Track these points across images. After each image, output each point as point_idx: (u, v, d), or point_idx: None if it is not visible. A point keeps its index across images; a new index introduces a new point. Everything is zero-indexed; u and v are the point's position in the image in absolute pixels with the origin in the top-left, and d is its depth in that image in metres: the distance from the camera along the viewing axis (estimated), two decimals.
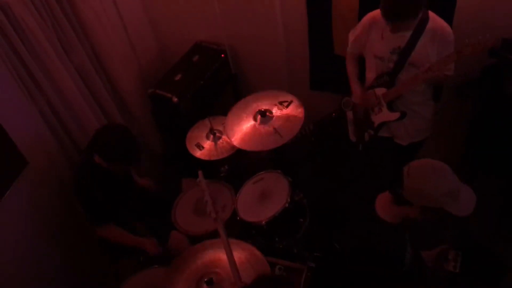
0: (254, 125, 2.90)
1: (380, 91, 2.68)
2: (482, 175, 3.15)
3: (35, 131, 2.68)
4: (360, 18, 2.85)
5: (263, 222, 2.64)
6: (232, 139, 2.86)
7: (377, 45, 2.60)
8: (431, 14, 2.47)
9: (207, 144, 2.99)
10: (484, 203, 3.08)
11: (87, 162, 2.56)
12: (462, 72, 3.08)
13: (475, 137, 3.19)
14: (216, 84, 3.58)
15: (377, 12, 2.51)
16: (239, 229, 2.75)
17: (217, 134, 3.00)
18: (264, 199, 2.77)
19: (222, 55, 3.57)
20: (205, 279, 2.05)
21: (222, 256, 2.08)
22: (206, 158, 2.92)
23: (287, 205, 2.66)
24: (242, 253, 2.17)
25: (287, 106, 2.95)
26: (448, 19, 2.90)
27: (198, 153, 2.95)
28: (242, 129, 2.90)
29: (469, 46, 2.28)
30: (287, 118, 2.89)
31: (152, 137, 3.69)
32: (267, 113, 2.90)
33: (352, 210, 2.23)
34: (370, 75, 2.77)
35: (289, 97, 3.00)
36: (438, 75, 2.51)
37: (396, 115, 2.67)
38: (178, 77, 3.42)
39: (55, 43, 2.72)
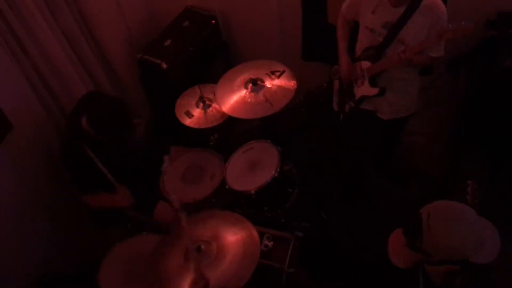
0: (245, 94, 2.86)
1: (365, 64, 2.65)
2: (471, 151, 3.18)
3: (20, 95, 2.62)
4: None
5: (252, 191, 2.63)
6: (222, 107, 2.82)
7: (369, 16, 2.55)
8: None
9: (197, 112, 2.95)
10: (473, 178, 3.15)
11: (74, 128, 2.50)
12: (454, 45, 3.07)
13: (466, 112, 3.20)
14: (207, 51, 3.51)
15: None
16: (227, 198, 2.75)
17: (207, 102, 2.96)
18: (253, 168, 2.76)
19: (213, 21, 3.50)
20: (194, 247, 2.05)
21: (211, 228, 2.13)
22: (196, 126, 2.89)
23: (276, 174, 2.65)
24: (239, 232, 2.15)
25: (278, 76, 2.91)
26: None
27: (187, 121, 2.92)
28: (233, 97, 2.86)
29: (449, 31, 2.24)
30: (279, 88, 2.86)
31: (140, 103, 3.63)
32: (259, 82, 2.86)
33: (362, 249, 1.95)
34: (359, 45, 2.73)
35: (281, 67, 2.96)
36: (420, 58, 2.46)
37: (375, 90, 2.64)
38: (167, 42, 3.35)
39: (42, 6, 2.63)
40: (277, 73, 2.94)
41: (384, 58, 2.55)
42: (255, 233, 2.15)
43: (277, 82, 2.89)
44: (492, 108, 2.91)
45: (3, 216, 2.60)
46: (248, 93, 2.86)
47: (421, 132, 3.51)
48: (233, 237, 2.12)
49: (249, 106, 2.81)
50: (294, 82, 2.87)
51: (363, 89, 2.70)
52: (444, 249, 1.60)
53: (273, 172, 2.66)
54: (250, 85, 2.87)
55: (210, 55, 3.57)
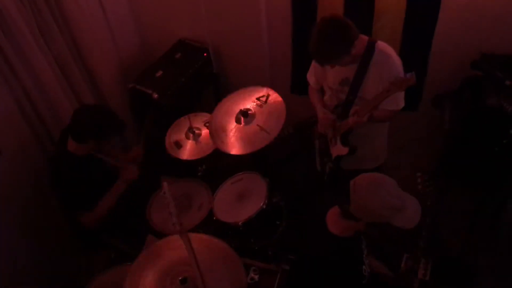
0: (239, 127, 2.85)
1: (336, 124, 2.63)
2: (455, 186, 3.23)
3: (9, 120, 2.62)
4: None
5: (240, 223, 2.62)
6: (227, 148, 2.79)
7: (329, 74, 2.59)
8: (378, 45, 2.38)
9: (186, 143, 2.96)
10: (457, 213, 3.19)
11: (61, 152, 2.53)
12: (439, 83, 3.17)
13: (450, 148, 3.25)
14: (197, 82, 3.56)
15: None
16: (214, 229, 2.73)
17: (197, 132, 2.97)
18: (241, 200, 2.76)
19: (205, 54, 3.55)
20: (179, 278, 2.02)
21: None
22: (186, 158, 2.90)
23: (264, 206, 2.65)
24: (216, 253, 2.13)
25: (265, 101, 2.92)
26: (429, 36, 2.98)
27: (176, 153, 2.92)
28: (230, 135, 2.84)
29: (393, 86, 2.18)
30: (269, 112, 2.85)
31: (130, 133, 3.63)
32: (249, 112, 2.86)
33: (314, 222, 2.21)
34: (328, 105, 2.75)
35: (264, 91, 2.95)
36: (380, 113, 2.44)
37: (345, 149, 2.60)
38: (159, 73, 3.39)
39: (35, 31, 2.66)
40: (263, 98, 2.93)
41: (347, 118, 2.52)
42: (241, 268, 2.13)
43: (266, 107, 2.89)
44: (475, 144, 2.97)
45: None
46: (242, 126, 2.85)
47: (406, 165, 3.55)
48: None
49: (248, 139, 2.79)
50: (281, 100, 2.87)
51: (337, 149, 2.67)
52: (365, 209, 1.86)
53: (261, 204, 2.66)
54: (242, 118, 2.85)
55: (200, 86, 3.62)
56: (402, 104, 2.48)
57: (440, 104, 3.20)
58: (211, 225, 2.72)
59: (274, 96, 2.92)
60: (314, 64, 2.70)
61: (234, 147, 2.80)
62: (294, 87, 3.66)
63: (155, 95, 3.21)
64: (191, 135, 2.97)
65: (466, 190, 3.25)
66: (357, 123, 2.42)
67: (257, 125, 2.82)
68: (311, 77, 2.79)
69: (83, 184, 2.49)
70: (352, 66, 2.41)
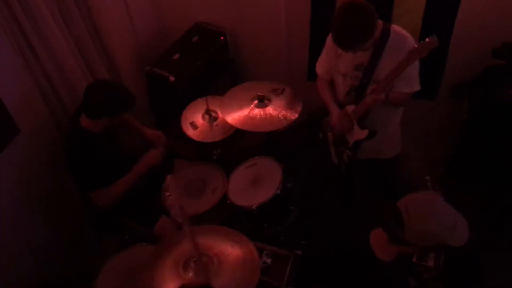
0: (252, 108, 2.90)
1: (350, 108, 2.61)
2: (466, 182, 3.19)
3: (29, 100, 2.65)
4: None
5: (254, 207, 2.63)
6: (229, 119, 2.85)
7: (342, 61, 2.55)
8: (393, 28, 2.38)
9: (202, 124, 2.97)
10: (468, 211, 3.15)
11: (75, 129, 2.54)
12: (459, 72, 3.12)
13: (466, 141, 3.21)
14: (214, 67, 3.55)
15: None
16: (228, 213, 2.75)
17: (213, 115, 2.98)
18: (256, 184, 2.77)
19: (222, 38, 3.54)
20: (193, 259, 2.04)
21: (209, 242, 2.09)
22: (200, 139, 2.91)
23: (279, 191, 2.66)
24: (239, 248, 2.14)
25: (281, 93, 2.97)
26: (450, 22, 2.93)
27: (192, 133, 2.93)
28: (240, 111, 2.90)
29: (414, 52, 2.19)
30: (284, 106, 2.91)
31: (147, 116, 3.66)
32: (265, 100, 2.90)
33: (346, 246, 2.08)
34: (339, 92, 2.72)
35: (281, 86, 3.02)
36: (396, 95, 2.43)
37: (364, 133, 2.57)
38: (176, 56, 3.39)
39: (55, 13, 2.67)
40: (279, 91, 2.99)
41: (363, 99, 2.51)
42: (254, 250, 2.15)
43: (281, 98, 2.96)
44: (492, 138, 2.92)
45: (4, 221, 2.60)
46: (254, 108, 2.90)
47: (420, 157, 3.52)
48: (233, 252, 2.11)
49: (255, 120, 2.85)
50: (298, 99, 2.95)
51: (354, 134, 2.64)
52: (425, 235, 1.75)
53: (276, 189, 2.67)
54: (256, 101, 2.91)
55: (217, 70, 3.61)
56: (417, 87, 2.47)
57: (459, 93, 3.16)
58: (225, 208, 2.74)
59: (290, 92, 2.99)
60: (326, 52, 2.66)
61: (240, 122, 2.85)
62: (311, 74, 3.63)
63: (172, 78, 3.22)
64: (208, 117, 2.97)
65: (478, 187, 3.21)
66: (376, 101, 2.40)
67: (270, 112, 2.87)
68: (321, 66, 2.75)
69: (97, 162, 2.49)
70: (368, 50, 2.40)
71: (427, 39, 2.14)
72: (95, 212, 2.71)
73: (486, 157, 2.99)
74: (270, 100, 2.93)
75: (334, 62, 2.61)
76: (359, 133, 2.60)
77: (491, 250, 2.94)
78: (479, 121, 3.00)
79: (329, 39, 2.58)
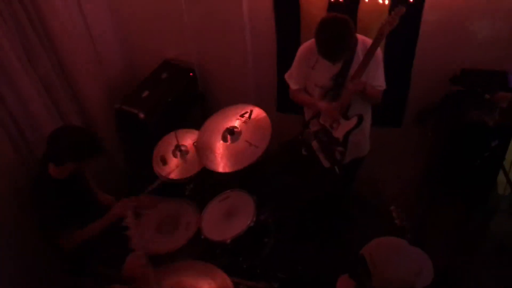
0: (227, 145, 2.89)
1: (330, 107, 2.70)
2: (441, 200, 3.27)
3: None
4: None
5: (228, 241, 2.61)
6: (215, 166, 2.83)
7: (316, 74, 2.66)
8: (358, 36, 2.56)
9: (173, 161, 2.96)
10: (444, 226, 3.22)
11: (42, 176, 2.51)
12: (422, 99, 3.23)
13: (435, 163, 3.30)
14: (184, 102, 3.58)
15: (311, 44, 2.57)
16: (203, 248, 2.71)
17: (183, 149, 2.97)
18: (229, 217, 2.75)
19: (191, 74, 3.58)
20: None
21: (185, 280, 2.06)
22: (174, 177, 2.89)
23: (252, 224, 2.65)
24: (214, 283, 2.13)
25: (249, 117, 2.97)
26: (411, 52, 3.06)
27: (163, 171, 2.91)
28: (218, 153, 2.88)
29: (386, 23, 2.36)
30: (255, 127, 2.92)
31: (117, 154, 3.62)
32: (235, 130, 2.91)
33: None
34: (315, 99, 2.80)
35: (248, 108, 3.02)
36: (370, 89, 2.58)
37: (353, 120, 2.68)
38: (145, 93, 3.40)
39: (19, 50, 2.66)
40: (246, 114, 2.99)
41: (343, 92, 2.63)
42: (231, 285, 2.12)
43: (251, 122, 2.94)
44: (459, 159, 3.02)
45: None
46: (230, 144, 2.88)
47: (393, 180, 3.59)
48: None
49: (237, 156, 2.82)
50: (265, 115, 2.96)
51: (343, 127, 2.72)
52: (393, 282, 1.75)
53: (249, 221, 2.65)
54: (228, 136, 2.89)
55: (187, 106, 3.64)
56: (384, 85, 2.63)
57: (424, 120, 3.26)
58: (199, 244, 2.70)
59: (257, 112, 2.98)
60: (299, 65, 2.73)
61: (223, 165, 2.82)
62: (280, 106, 3.70)
63: (142, 115, 3.21)
64: (178, 153, 2.96)
65: (452, 204, 3.29)
66: (358, 84, 2.52)
67: (245, 141, 2.85)
68: (295, 79, 2.79)
69: (65, 206, 2.46)
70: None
71: (395, 9, 2.33)
72: (62, 256, 2.65)
73: (455, 177, 3.09)
74: (239, 131, 2.93)
75: (308, 75, 2.70)
76: (348, 123, 2.68)
77: (470, 264, 3.02)
78: (445, 145, 3.10)
79: (301, 53, 2.69)
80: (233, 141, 2.89)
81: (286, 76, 2.83)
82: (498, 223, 3.33)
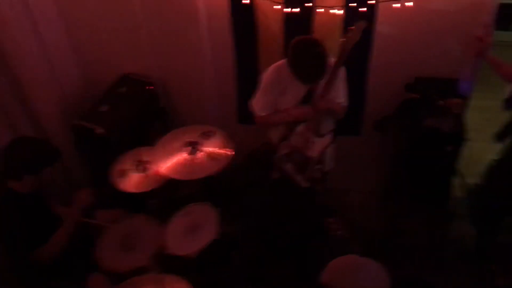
0: (185, 156, 2.86)
1: (301, 128, 2.73)
2: (405, 207, 3.34)
3: None
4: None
5: (193, 256, 2.58)
6: (162, 169, 2.80)
7: (285, 99, 2.67)
8: None
9: (134, 176, 2.91)
10: (409, 232, 3.30)
11: (3, 193, 2.43)
12: (379, 107, 3.32)
13: (396, 170, 3.39)
14: (145, 117, 3.53)
15: (278, 70, 2.60)
16: (168, 264, 2.67)
17: (145, 165, 2.93)
18: (193, 232, 2.71)
19: (151, 87, 3.54)
20: None
21: None
22: (133, 190, 2.84)
23: (217, 237, 2.63)
24: None
25: (212, 136, 2.96)
26: (365, 62, 3.14)
27: (124, 185, 2.86)
28: (171, 158, 2.84)
29: (349, 37, 2.41)
30: (216, 149, 2.91)
31: (77, 171, 3.53)
32: (196, 146, 2.88)
33: None
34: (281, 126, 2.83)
35: (212, 129, 3.01)
36: (335, 105, 2.63)
37: (328, 138, 2.72)
38: (104, 108, 3.33)
39: None
40: (209, 133, 2.97)
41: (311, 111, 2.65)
42: None
43: (212, 142, 2.93)
44: (419, 165, 3.10)
45: None
46: (188, 155, 2.86)
47: (357, 189, 3.65)
48: None
49: (191, 167, 2.80)
50: (228, 143, 2.92)
51: (318, 145, 2.74)
52: None
53: (214, 234, 2.64)
54: (189, 148, 2.86)
55: (148, 120, 3.59)
56: (346, 101, 2.70)
57: (382, 127, 3.34)
58: (164, 260, 2.66)
59: (220, 136, 2.96)
60: (266, 92, 2.72)
61: (174, 171, 2.78)
62: (241, 118, 3.71)
63: (101, 131, 3.15)
64: (140, 168, 2.92)
65: (414, 211, 3.37)
66: (328, 102, 2.57)
67: (204, 154, 2.84)
68: (263, 106, 2.77)
69: (31, 221, 2.40)
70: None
71: (356, 24, 2.39)
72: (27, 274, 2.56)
73: (417, 184, 3.18)
74: (201, 145, 2.92)
75: (276, 101, 2.69)
76: (323, 141, 2.72)
77: (435, 269, 3.11)
78: (404, 152, 3.18)
79: (268, 80, 2.69)
80: (191, 153, 2.86)
81: (251, 104, 2.80)
82: (458, 227, 3.43)
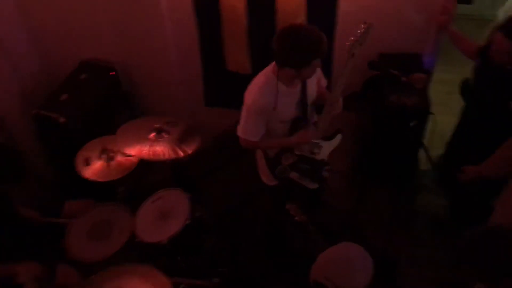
0: (151, 140, 2.85)
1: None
2: (373, 183, 3.40)
3: None
4: (250, 37, 2.91)
5: (165, 242, 2.56)
6: (128, 151, 2.79)
7: (279, 112, 2.45)
8: None
9: (99, 164, 2.85)
10: (377, 209, 3.36)
11: None
12: (344, 86, 3.33)
13: (362, 147, 3.43)
14: (108, 103, 3.44)
15: (265, 86, 2.38)
16: (139, 251, 2.64)
17: (110, 154, 2.87)
18: (164, 218, 2.69)
19: (112, 73, 3.45)
20: None
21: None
22: (98, 179, 2.78)
23: (188, 222, 2.61)
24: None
25: (176, 125, 2.95)
26: (330, 40, 3.12)
27: (87, 173, 2.80)
28: (138, 143, 2.83)
29: (353, 41, 2.32)
30: (182, 135, 2.91)
31: (39, 162, 3.42)
32: (163, 131, 2.87)
33: None
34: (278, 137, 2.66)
35: (174, 119, 2.99)
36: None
37: (337, 138, 2.70)
38: (64, 96, 3.23)
39: None
40: (173, 123, 2.96)
41: (322, 116, 2.56)
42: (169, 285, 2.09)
43: (178, 128, 2.93)
44: (384, 141, 3.15)
45: None
46: (154, 139, 2.85)
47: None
48: None
49: (156, 151, 2.80)
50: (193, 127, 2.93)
51: (327, 148, 2.70)
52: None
53: (185, 219, 2.62)
54: (154, 133, 2.86)
55: (112, 107, 3.50)
56: (340, 109, 2.69)
57: (347, 106, 3.36)
58: (135, 247, 2.63)
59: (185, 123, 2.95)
60: (257, 116, 2.44)
61: (140, 153, 2.79)
62: (208, 100, 3.68)
63: (62, 119, 3.05)
64: (105, 156, 2.87)
65: (384, 186, 3.43)
66: (339, 108, 2.58)
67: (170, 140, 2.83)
68: (256, 132, 2.50)
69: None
70: (295, 88, 2.46)
71: (362, 27, 2.31)
72: None
73: (384, 160, 3.22)
74: (168, 131, 2.88)
75: (268, 118, 2.48)
76: (333, 143, 2.71)
77: (404, 243, 3.18)
78: (370, 129, 3.22)
79: (258, 106, 2.38)
80: (157, 137, 2.86)
81: (240, 133, 2.51)
82: (425, 199, 3.51)
